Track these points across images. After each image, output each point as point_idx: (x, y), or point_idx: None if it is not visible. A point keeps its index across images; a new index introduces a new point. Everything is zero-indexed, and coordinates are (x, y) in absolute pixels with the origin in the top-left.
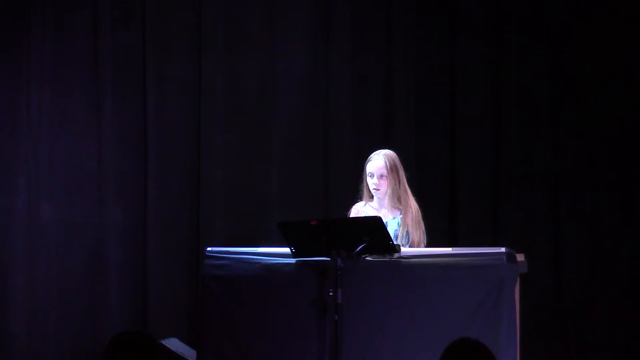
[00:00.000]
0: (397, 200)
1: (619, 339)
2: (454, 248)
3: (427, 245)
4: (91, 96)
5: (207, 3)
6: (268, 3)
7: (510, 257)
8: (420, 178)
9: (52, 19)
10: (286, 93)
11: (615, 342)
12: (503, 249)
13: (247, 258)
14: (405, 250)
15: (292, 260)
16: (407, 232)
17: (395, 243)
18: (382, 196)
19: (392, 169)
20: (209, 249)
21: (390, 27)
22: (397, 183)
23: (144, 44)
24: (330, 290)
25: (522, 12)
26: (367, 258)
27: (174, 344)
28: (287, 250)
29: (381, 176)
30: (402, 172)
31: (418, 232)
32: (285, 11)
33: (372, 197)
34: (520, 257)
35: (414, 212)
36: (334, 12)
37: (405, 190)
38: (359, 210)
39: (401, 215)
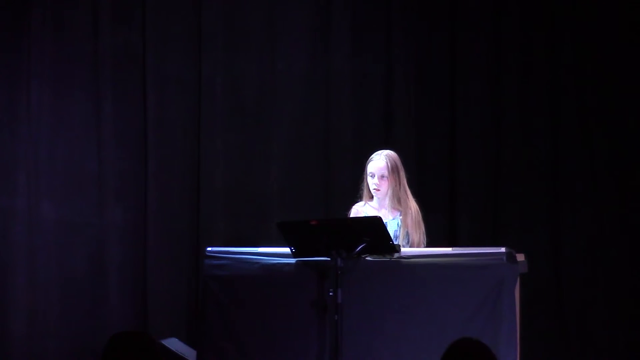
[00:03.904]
0: (397, 202)
1: (619, 339)
2: (454, 248)
3: (427, 246)
4: (91, 96)
5: (207, 3)
6: (268, 3)
7: (510, 257)
8: (420, 178)
9: (52, 19)
10: (286, 93)
11: (615, 342)
12: (503, 249)
13: (247, 258)
14: (405, 250)
15: (292, 260)
16: (407, 233)
17: (395, 243)
18: (382, 197)
19: (393, 169)
20: (209, 249)
21: (390, 27)
22: (398, 184)
23: (144, 44)
24: (330, 290)
25: (522, 11)
26: (367, 258)
27: (174, 344)
28: (287, 250)
29: (382, 177)
30: (402, 173)
31: (418, 233)
32: (285, 11)
33: (372, 197)
34: (520, 257)
35: (413, 213)
36: (334, 12)
37: (405, 192)
38: (359, 210)
39: (401, 217)
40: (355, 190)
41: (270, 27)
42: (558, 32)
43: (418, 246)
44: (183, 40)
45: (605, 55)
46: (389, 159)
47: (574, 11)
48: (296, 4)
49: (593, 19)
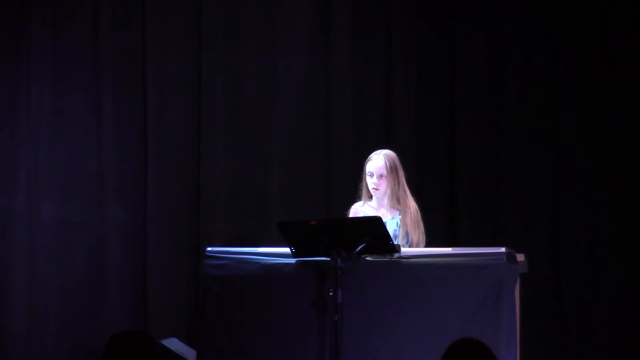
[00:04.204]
0: (396, 201)
1: (619, 339)
2: (454, 248)
3: (427, 245)
4: (91, 96)
5: (207, 3)
6: (268, 3)
7: (510, 257)
8: (420, 178)
9: (52, 19)
10: (286, 93)
11: (615, 342)
12: (503, 249)
13: (247, 258)
14: (405, 250)
15: (292, 260)
16: (407, 232)
17: (395, 243)
18: (381, 196)
19: (391, 169)
20: (209, 249)
21: (390, 27)
22: (396, 183)
23: (144, 44)
24: (330, 290)
25: (523, 11)
26: (367, 258)
27: (174, 344)
28: (287, 250)
29: (380, 176)
30: (401, 173)
31: (417, 232)
32: (286, 11)
33: (371, 196)
34: (520, 257)
35: (412, 212)
36: (334, 12)
37: (405, 191)
38: (358, 210)
39: (400, 216)
40: (356, 190)
41: (270, 27)
42: (558, 32)
43: (417, 245)
44: (183, 40)
45: (605, 55)
46: (388, 158)
47: (574, 11)
48: (296, 4)
49: (593, 19)
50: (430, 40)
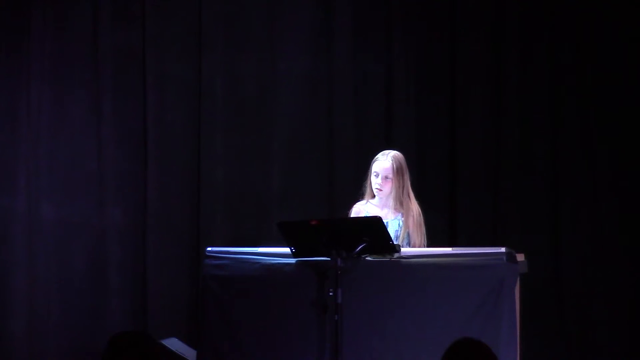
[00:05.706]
0: (399, 204)
1: (619, 338)
2: (454, 248)
3: (427, 246)
4: (91, 96)
5: (207, 3)
6: (268, 3)
7: (510, 257)
8: (420, 178)
9: (52, 19)
10: (287, 93)
11: (615, 342)
12: (503, 249)
13: (247, 258)
14: (405, 250)
15: (292, 260)
16: (408, 234)
17: (395, 243)
18: (384, 197)
19: (398, 171)
20: (209, 249)
21: (390, 27)
22: (401, 186)
23: (144, 44)
24: (330, 290)
25: (523, 11)
26: (367, 258)
27: (174, 344)
28: (287, 250)
29: (386, 177)
30: (407, 176)
31: (419, 235)
32: (286, 11)
33: (374, 195)
34: (520, 257)
35: (415, 216)
36: (334, 11)
37: (408, 194)
38: (360, 209)
39: (402, 217)
40: (357, 190)
41: (271, 27)
42: (558, 32)
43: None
44: (183, 40)
45: (605, 54)
46: (395, 161)
47: (574, 11)
48: (297, 3)
49: (593, 19)
50: (430, 40)
